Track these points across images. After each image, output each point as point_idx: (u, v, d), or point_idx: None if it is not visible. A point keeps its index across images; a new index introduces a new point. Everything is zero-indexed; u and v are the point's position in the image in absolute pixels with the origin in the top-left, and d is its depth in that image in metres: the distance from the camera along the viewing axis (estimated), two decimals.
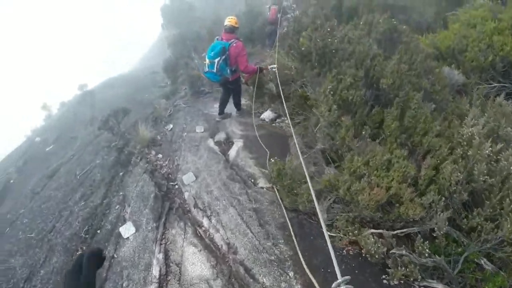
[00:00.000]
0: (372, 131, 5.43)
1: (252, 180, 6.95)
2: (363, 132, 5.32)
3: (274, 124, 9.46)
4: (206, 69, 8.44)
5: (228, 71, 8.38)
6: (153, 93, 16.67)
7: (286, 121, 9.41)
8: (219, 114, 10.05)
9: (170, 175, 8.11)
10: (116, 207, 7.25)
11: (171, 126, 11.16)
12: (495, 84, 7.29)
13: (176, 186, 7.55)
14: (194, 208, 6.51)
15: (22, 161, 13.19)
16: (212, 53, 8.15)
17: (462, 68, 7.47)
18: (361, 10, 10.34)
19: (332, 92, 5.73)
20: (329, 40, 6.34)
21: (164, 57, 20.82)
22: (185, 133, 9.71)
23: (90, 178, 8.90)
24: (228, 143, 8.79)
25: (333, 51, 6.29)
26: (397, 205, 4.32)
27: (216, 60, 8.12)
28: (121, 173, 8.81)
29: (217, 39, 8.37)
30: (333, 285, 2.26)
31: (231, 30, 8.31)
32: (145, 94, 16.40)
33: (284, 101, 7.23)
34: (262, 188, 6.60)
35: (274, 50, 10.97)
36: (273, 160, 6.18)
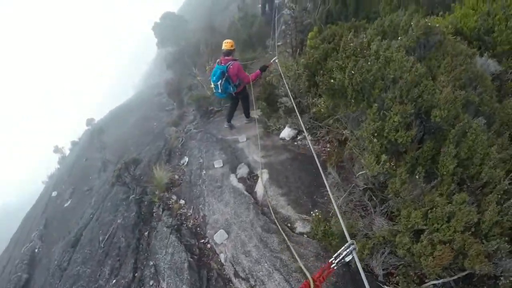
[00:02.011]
0: (424, 170, 4.37)
1: (289, 225, 6.07)
2: (416, 176, 4.29)
3: (296, 143, 8.42)
4: (214, 90, 9.09)
5: (231, 88, 8.94)
6: (161, 119, 15.70)
7: (309, 138, 8.34)
8: (227, 121, 10.53)
9: (198, 229, 7.15)
10: (151, 283, 6.27)
11: (187, 159, 10.15)
12: None
13: (209, 246, 6.58)
14: (236, 278, 5.52)
15: (43, 224, 12.38)
16: (214, 77, 8.73)
17: (491, 53, 6.28)
18: None
19: (376, 134, 4.61)
20: (365, 66, 5.04)
21: (166, 77, 19.85)
22: (204, 171, 8.68)
23: (115, 245, 7.96)
24: (252, 177, 7.80)
25: (372, 80, 5.05)
26: (461, 257, 3.77)
27: (219, 83, 8.68)
28: (146, 233, 7.84)
29: (218, 62, 8.86)
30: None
31: (228, 53, 8.82)
32: (153, 123, 15.40)
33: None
34: (303, 234, 5.75)
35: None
36: (314, 215, 5.18)
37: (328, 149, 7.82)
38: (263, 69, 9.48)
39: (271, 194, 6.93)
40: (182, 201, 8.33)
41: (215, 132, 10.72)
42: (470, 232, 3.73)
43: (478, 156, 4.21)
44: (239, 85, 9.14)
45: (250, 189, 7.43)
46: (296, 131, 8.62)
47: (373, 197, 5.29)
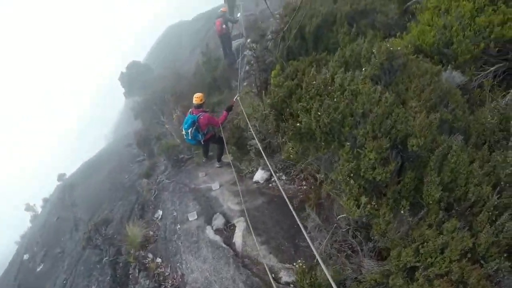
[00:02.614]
0: (408, 202, 4.07)
1: (273, 275, 5.62)
2: (401, 211, 3.99)
3: (270, 185, 8.12)
4: (185, 137, 9.64)
5: (200, 136, 9.42)
6: (132, 170, 15.16)
7: (284, 178, 8.05)
8: (204, 157, 11.06)
9: None
10: None
11: (160, 213, 9.68)
12: (490, 68, 6.05)
13: None
14: None
15: None
16: (186, 125, 9.30)
17: (454, 64, 6.18)
18: (325, 32, 9.07)
19: (353, 175, 4.31)
20: (332, 105, 4.69)
21: (134, 127, 19.41)
22: (178, 225, 8.23)
23: None
24: (229, 227, 7.39)
25: (340, 118, 4.69)
26: (461, 286, 3.44)
27: (189, 131, 9.22)
28: None
29: (190, 112, 9.38)
30: None
31: (198, 106, 9.35)
32: (125, 175, 14.83)
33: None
34: (289, 284, 5.42)
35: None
36: (298, 266, 4.78)
37: (305, 187, 7.55)
38: (229, 109, 9.70)
39: (250, 243, 6.56)
40: (158, 260, 7.83)
41: (188, 182, 10.30)
42: (466, 259, 3.49)
43: (462, 176, 3.95)
44: (207, 133, 9.59)
45: (228, 241, 7.01)
46: (269, 173, 8.32)
47: (358, 235, 4.99)
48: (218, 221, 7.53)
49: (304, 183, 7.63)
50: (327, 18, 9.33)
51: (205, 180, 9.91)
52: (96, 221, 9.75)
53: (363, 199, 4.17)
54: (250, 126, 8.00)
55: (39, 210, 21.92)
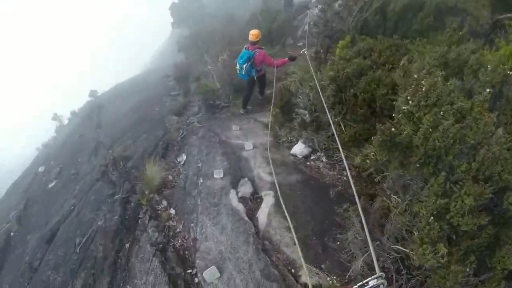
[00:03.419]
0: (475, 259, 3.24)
1: (293, 271, 4.98)
2: (467, 268, 3.26)
3: (308, 163, 7.17)
4: (238, 72, 9.60)
5: (254, 72, 9.37)
6: (164, 104, 14.31)
7: (324, 160, 7.10)
8: (243, 108, 10.54)
9: (186, 253, 5.92)
10: None
11: (184, 157, 8.90)
12: None
13: (196, 280, 5.37)
14: None
15: (23, 203, 11.05)
16: (241, 60, 9.23)
17: None
18: (409, 16, 7.84)
19: (436, 213, 3.33)
20: (444, 126, 3.45)
21: (175, 60, 18.45)
22: (201, 180, 7.43)
23: (91, 253, 6.76)
24: (255, 199, 6.54)
25: (449, 144, 3.51)
26: None
27: (244, 66, 9.17)
28: (127, 245, 6.63)
29: (245, 48, 9.30)
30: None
31: (254, 43, 9.18)
32: (155, 107, 14.02)
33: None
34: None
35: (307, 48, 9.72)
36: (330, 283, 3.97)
37: (344, 177, 6.63)
38: (292, 58, 9.51)
39: (275, 225, 5.76)
40: (172, 211, 7.10)
41: (219, 132, 9.44)
42: None
43: None
44: (260, 70, 9.61)
45: (252, 214, 6.21)
46: (310, 149, 7.38)
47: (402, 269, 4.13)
48: (245, 188, 6.71)
49: (346, 173, 6.71)
50: (415, 2, 8.07)
51: (238, 135, 9.03)
52: (115, 155, 8.98)
53: (442, 248, 3.23)
54: (301, 93, 7.08)
55: (66, 121, 21.45)
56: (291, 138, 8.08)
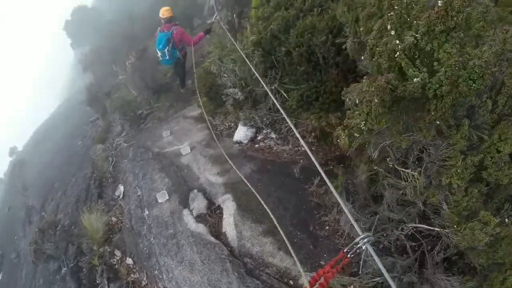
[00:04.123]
0: None
1: (291, 283, 3.98)
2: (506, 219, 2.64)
3: (257, 145, 5.99)
4: (161, 59, 8.66)
5: (177, 52, 8.51)
6: (86, 133, 12.69)
7: (273, 136, 5.96)
8: (182, 87, 9.72)
9: None
10: None
11: (122, 189, 7.51)
12: None
13: None
14: None
15: None
16: (160, 45, 8.28)
17: None
18: None
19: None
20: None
21: (85, 82, 16.56)
22: (146, 211, 6.08)
23: None
24: (214, 211, 5.29)
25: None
26: None
27: (166, 50, 8.25)
28: None
29: (160, 30, 8.33)
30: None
31: (169, 20, 8.33)
32: (78, 141, 12.32)
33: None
34: None
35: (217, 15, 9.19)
36: None
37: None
38: (207, 31, 8.89)
39: (248, 234, 4.58)
40: (129, 260, 5.82)
41: (150, 144, 8.03)
42: None
43: None
44: (182, 49, 8.68)
45: (217, 230, 5.02)
46: (254, 130, 6.19)
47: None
48: (198, 203, 5.45)
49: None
50: None
51: (170, 141, 7.69)
52: (41, 227, 7.35)
53: (493, 220, 2.17)
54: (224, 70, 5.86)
55: None
56: (229, 124, 6.88)
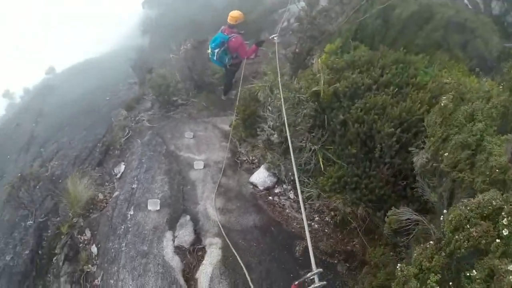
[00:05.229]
0: None
1: None
2: None
3: (271, 198, 5.32)
4: (210, 56, 8.15)
5: (227, 59, 7.91)
6: (118, 92, 12.14)
7: (291, 196, 5.29)
8: (224, 94, 9.14)
9: None
10: None
11: (122, 168, 6.93)
12: None
13: None
14: None
15: None
16: (213, 44, 7.83)
17: None
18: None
19: None
20: None
21: (142, 42, 16.15)
22: (131, 210, 5.42)
23: None
24: (196, 251, 4.61)
25: None
26: None
27: (216, 51, 7.75)
28: None
29: (221, 30, 7.81)
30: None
31: (232, 26, 7.70)
32: (107, 96, 11.78)
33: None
34: None
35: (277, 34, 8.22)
36: None
37: (317, 225, 4.87)
38: (259, 44, 8.07)
39: None
40: (94, 249, 5.21)
41: (168, 138, 7.40)
42: None
43: None
44: (235, 58, 8.00)
45: (189, 274, 4.34)
46: (275, 180, 5.52)
47: None
48: (185, 234, 4.77)
49: (317, 217, 4.95)
50: (424, 11, 6.30)
51: (189, 145, 7.06)
52: (25, 173, 6.71)
53: None
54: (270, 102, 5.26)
55: (18, 100, 18.63)
56: (253, 158, 6.23)
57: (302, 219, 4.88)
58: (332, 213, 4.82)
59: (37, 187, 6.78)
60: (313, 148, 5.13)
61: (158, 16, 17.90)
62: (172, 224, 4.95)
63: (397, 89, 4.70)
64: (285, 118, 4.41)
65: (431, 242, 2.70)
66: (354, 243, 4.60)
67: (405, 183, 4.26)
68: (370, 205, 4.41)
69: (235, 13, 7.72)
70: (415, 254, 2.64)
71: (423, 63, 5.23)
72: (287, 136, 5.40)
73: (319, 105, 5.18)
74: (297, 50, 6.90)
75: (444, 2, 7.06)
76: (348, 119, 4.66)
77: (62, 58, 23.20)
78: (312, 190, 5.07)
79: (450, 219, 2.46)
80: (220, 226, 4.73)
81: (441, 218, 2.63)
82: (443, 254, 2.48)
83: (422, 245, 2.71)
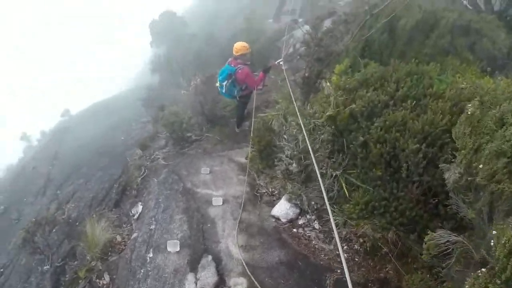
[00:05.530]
0: None
1: None
2: None
3: (295, 230, 5.06)
4: (219, 89, 8.01)
5: (236, 92, 7.80)
6: (132, 132, 12.15)
7: (316, 226, 5.03)
8: (237, 127, 8.87)
9: None
10: None
11: (140, 209, 6.74)
12: None
13: None
14: None
15: None
16: (221, 77, 7.77)
17: None
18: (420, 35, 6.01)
19: None
20: None
21: (150, 82, 16.27)
22: (151, 253, 5.20)
23: None
24: None
25: None
26: None
27: (224, 84, 7.66)
28: None
29: (228, 62, 7.69)
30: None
31: (237, 57, 7.58)
32: (121, 136, 11.79)
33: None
34: None
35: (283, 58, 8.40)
36: None
37: (346, 254, 4.59)
38: (266, 70, 7.90)
39: None
40: None
41: (184, 175, 7.22)
42: None
43: None
44: (245, 89, 7.86)
45: None
46: (298, 211, 5.27)
47: None
48: (207, 275, 4.48)
49: (346, 246, 4.68)
50: (428, 18, 6.17)
51: (206, 181, 6.85)
52: (39, 218, 6.58)
53: None
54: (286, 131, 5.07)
55: (35, 142, 18.85)
56: (273, 190, 6.00)
57: (330, 251, 4.68)
58: (361, 240, 4.54)
59: (53, 230, 6.64)
60: (334, 174, 4.89)
61: (165, 54, 18.13)
62: (193, 266, 4.69)
63: (415, 101, 4.48)
64: (308, 143, 4.23)
65: (483, 269, 2.45)
66: (387, 269, 4.30)
67: (436, 200, 3.98)
68: (402, 228, 4.12)
69: (239, 45, 7.66)
70: (466, 286, 2.39)
71: (436, 72, 5.01)
72: (306, 164, 5.25)
73: (336, 129, 4.97)
74: (306, 74, 6.76)
75: (445, 6, 6.94)
76: (368, 140, 4.43)
77: (76, 101, 23.64)
78: (337, 217, 4.80)
79: (503, 242, 2.22)
80: (244, 264, 4.46)
81: (491, 243, 2.39)
82: (498, 281, 2.24)
83: (473, 273, 2.45)
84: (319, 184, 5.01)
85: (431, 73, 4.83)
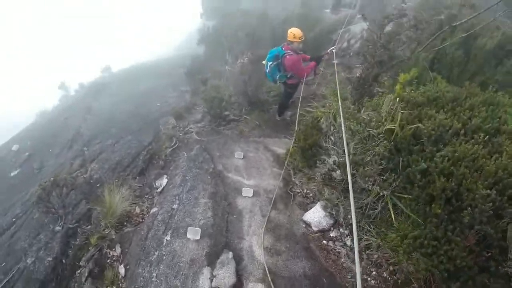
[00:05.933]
0: None
1: None
2: None
3: (325, 242, 4.58)
4: (264, 67, 7.50)
5: (279, 76, 7.29)
6: (169, 99, 11.78)
7: (348, 243, 4.54)
8: (278, 115, 8.47)
9: None
10: None
11: (165, 182, 6.41)
12: None
13: None
14: None
15: None
16: (269, 56, 7.25)
17: None
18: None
19: None
20: None
21: (194, 52, 15.87)
22: (168, 236, 4.82)
23: None
24: None
25: None
26: None
27: (270, 64, 7.20)
28: None
29: (282, 45, 7.18)
30: None
31: (289, 43, 7.07)
32: (157, 102, 11.44)
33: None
34: None
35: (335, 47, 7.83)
36: None
37: (373, 281, 4.08)
38: (318, 60, 7.69)
39: None
40: (122, 270, 4.64)
41: (217, 156, 6.85)
42: None
43: None
44: (291, 78, 7.36)
45: None
46: (332, 222, 4.76)
47: None
48: (225, 274, 4.06)
49: (374, 271, 4.16)
50: (507, 43, 5.46)
51: (239, 167, 6.45)
52: (57, 178, 6.26)
53: None
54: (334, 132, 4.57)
55: (72, 93, 18.93)
56: (308, 191, 5.50)
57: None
58: (391, 268, 4.03)
59: (72, 191, 6.37)
60: (381, 194, 4.34)
61: (215, 26, 17.66)
62: (211, 259, 4.29)
63: (487, 136, 3.85)
64: (347, 155, 3.70)
65: None
66: None
67: (489, 254, 3.38)
68: (446, 274, 3.55)
69: (293, 30, 7.15)
70: None
71: (510, 105, 4.33)
72: (352, 174, 4.70)
73: (393, 147, 4.39)
74: (363, 75, 6.16)
75: None
76: (432, 169, 3.83)
77: (119, 58, 23.65)
78: (372, 238, 4.29)
79: None
80: (267, 270, 4.02)
81: None
82: None
83: None
84: (357, 196, 4.56)
85: (507, 106, 4.16)
